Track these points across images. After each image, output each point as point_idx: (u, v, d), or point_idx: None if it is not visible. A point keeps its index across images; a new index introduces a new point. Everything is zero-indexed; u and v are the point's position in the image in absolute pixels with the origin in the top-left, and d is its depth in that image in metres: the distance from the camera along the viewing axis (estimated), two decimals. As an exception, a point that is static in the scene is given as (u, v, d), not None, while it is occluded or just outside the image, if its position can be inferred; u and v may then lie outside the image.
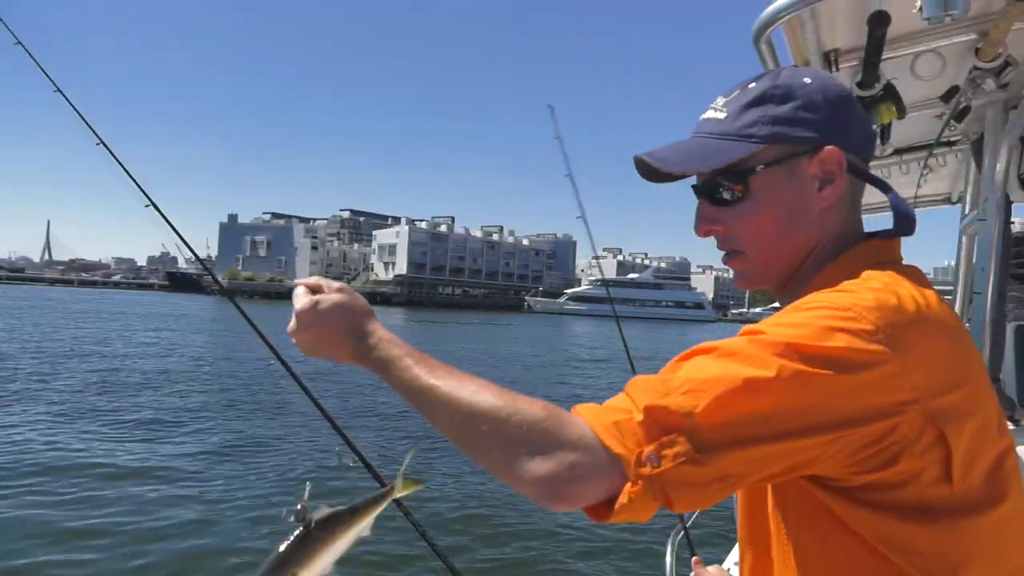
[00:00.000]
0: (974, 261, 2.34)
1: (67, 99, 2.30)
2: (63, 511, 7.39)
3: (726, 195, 1.00)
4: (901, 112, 2.09)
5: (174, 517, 7.37)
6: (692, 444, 0.76)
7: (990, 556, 0.84)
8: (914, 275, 0.93)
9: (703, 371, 0.80)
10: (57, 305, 53.58)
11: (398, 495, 1.08)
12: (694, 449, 0.76)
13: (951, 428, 0.81)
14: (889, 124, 2.19)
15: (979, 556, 0.83)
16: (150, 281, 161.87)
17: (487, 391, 0.86)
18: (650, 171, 1.05)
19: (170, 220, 2.25)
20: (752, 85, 1.00)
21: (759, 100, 0.99)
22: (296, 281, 1.07)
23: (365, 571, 6.06)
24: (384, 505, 1.05)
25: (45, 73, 2.36)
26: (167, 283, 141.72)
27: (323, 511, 0.95)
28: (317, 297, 1.03)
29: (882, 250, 0.99)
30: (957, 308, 3.05)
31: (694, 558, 1.44)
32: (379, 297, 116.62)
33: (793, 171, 0.98)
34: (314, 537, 0.93)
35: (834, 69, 2.09)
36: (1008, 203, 2.40)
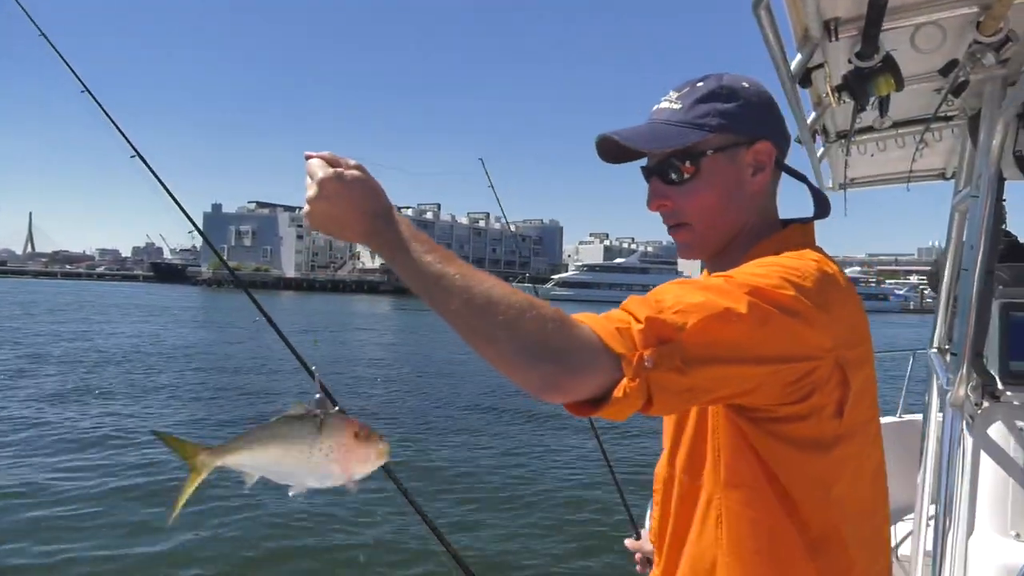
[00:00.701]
0: (964, 238, 2.34)
1: (49, 41, 2.27)
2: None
3: (675, 175, 1.19)
4: (899, 84, 2.07)
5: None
6: (679, 355, 0.88)
7: (850, 477, 1.08)
8: (824, 254, 1.15)
9: (690, 296, 0.93)
10: (40, 298, 53.03)
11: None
12: (680, 360, 0.88)
13: (852, 374, 1.04)
14: (887, 96, 2.17)
15: (844, 477, 1.07)
16: (135, 272, 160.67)
17: (505, 286, 0.91)
18: (609, 152, 1.24)
19: (157, 173, 2.21)
20: (700, 84, 1.19)
21: (709, 96, 1.17)
22: (308, 152, 1.01)
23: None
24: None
25: (29, 17, 2.31)
26: (152, 274, 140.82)
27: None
28: (340, 169, 0.99)
29: (806, 232, 1.23)
30: (946, 284, 3.07)
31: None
32: (366, 286, 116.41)
33: (734, 158, 1.18)
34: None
35: (833, 39, 2.04)
36: (1001, 180, 2.39)
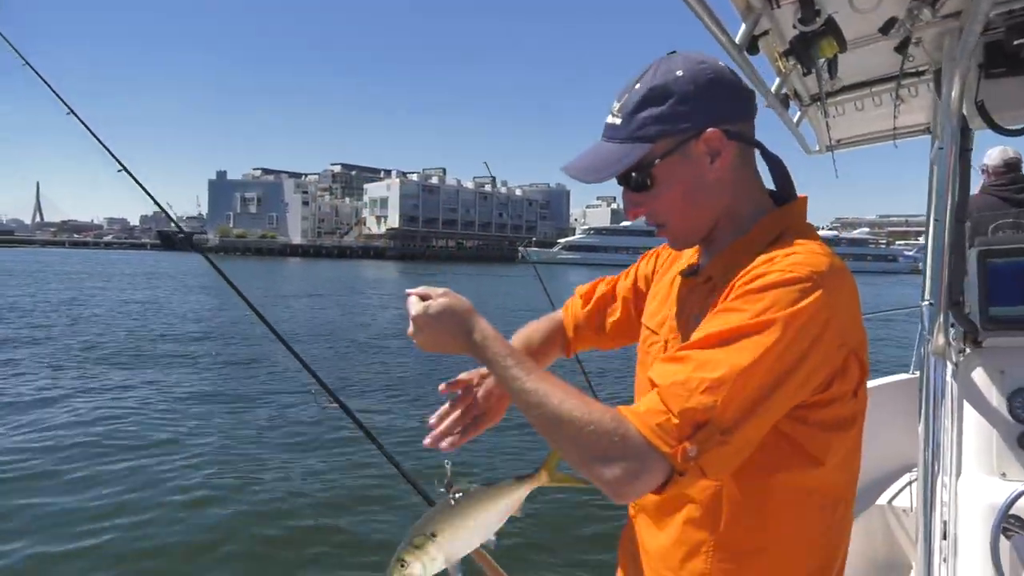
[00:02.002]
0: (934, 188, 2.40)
1: (35, 71, 2.30)
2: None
3: (639, 184, 1.21)
4: (842, 46, 2.08)
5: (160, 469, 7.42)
6: (718, 430, 0.98)
7: (857, 448, 1.18)
8: (815, 235, 1.18)
9: (712, 368, 0.99)
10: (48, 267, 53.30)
11: (542, 484, 1.28)
12: (720, 433, 0.98)
13: (863, 355, 1.12)
14: (835, 58, 2.18)
15: (857, 446, 1.18)
16: (142, 241, 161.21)
17: (570, 400, 1.04)
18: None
19: (143, 184, 2.25)
20: (636, 86, 1.18)
21: (643, 103, 1.17)
22: (408, 291, 1.26)
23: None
24: (525, 488, 1.27)
25: (12, 47, 2.34)
26: (159, 242, 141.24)
27: (470, 488, 1.22)
28: (427, 302, 1.23)
29: (789, 214, 1.23)
30: (929, 236, 3.11)
31: None
32: (372, 251, 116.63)
33: (685, 154, 1.18)
34: (455, 504, 1.19)
35: (775, 6, 2.08)
36: (966, 131, 2.41)
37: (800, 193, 1.27)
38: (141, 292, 33.98)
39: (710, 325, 1.06)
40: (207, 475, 7.63)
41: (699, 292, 1.26)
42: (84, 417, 9.84)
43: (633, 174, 1.20)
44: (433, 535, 1.17)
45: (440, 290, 1.25)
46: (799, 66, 2.22)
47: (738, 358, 0.99)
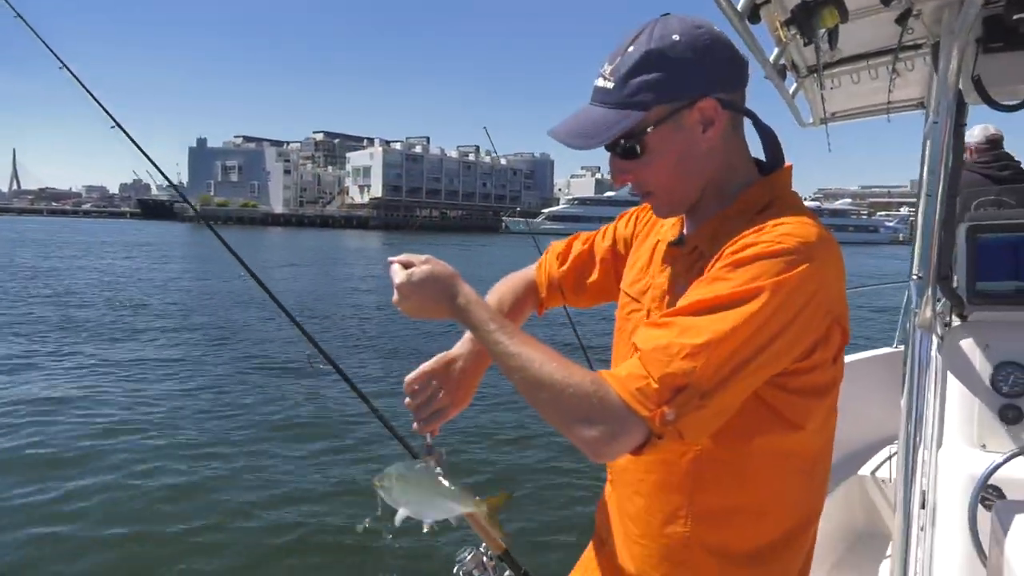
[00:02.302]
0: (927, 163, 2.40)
1: (25, 21, 2.24)
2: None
3: (629, 152, 1.18)
4: (843, 16, 2.06)
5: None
6: (696, 394, 0.99)
7: (834, 412, 1.19)
8: (802, 205, 1.17)
9: (695, 334, 1.00)
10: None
11: (473, 513, 1.36)
12: (699, 397, 0.99)
13: (845, 323, 1.13)
14: (836, 29, 2.17)
15: (832, 413, 1.19)
16: (122, 209, 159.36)
17: (551, 363, 1.06)
18: None
19: (136, 141, 2.22)
20: (631, 49, 1.14)
21: (638, 68, 1.13)
22: (390, 259, 1.28)
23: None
24: (462, 507, 1.33)
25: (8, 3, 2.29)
26: (139, 211, 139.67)
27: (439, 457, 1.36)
28: (410, 270, 1.25)
29: (776, 183, 1.22)
30: (920, 211, 3.12)
31: None
32: (355, 221, 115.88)
33: (678, 123, 1.15)
34: (413, 471, 1.34)
35: None
36: (962, 106, 2.42)
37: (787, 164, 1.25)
38: (122, 262, 33.65)
39: (696, 292, 1.06)
40: (186, 452, 7.64)
41: (684, 262, 1.24)
42: (61, 390, 9.79)
43: (623, 141, 1.17)
44: (389, 479, 1.34)
45: (422, 257, 1.27)
46: (799, 36, 2.20)
47: (721, 325, 1.00)
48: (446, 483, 1.32)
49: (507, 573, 1.62)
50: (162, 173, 2.43)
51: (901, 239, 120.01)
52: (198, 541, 5.58)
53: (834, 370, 1.14)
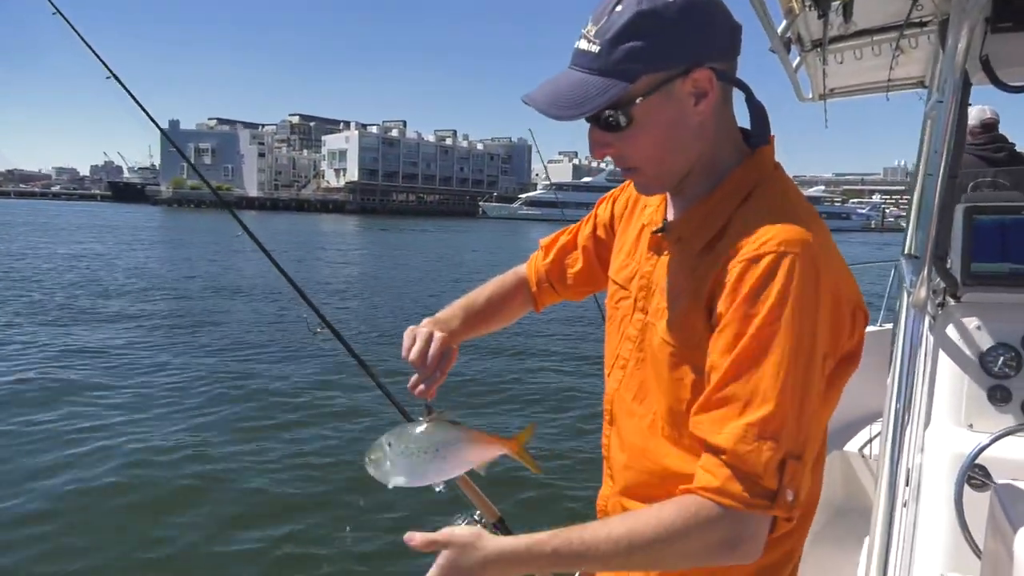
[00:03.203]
0: (931, 143, 2.39)
1: None
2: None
3: (613, 124, 1.07)
4: None
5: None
6: (793, 459, 0.96)
7: (838, 395, 1.13)
8: (784, 184, 1.13)
9: (757, 404, 0.96)
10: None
11: (509, 452, 1.33)
12: (796, 460, 0.96)
13: (863, 306, 1.09)
14: (851, 2, 2.16)
15: (838, 395, 1.12)
16: (92, 192, 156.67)
17: (632, 534, 0.99)
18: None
19: (132, 92, 2.18)
20: (618, 8, 1.02)
21: (626, 32, 1.01)
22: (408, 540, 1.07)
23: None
24: (495, 449, 1.31)
25: None
26: (110, 193, 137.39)
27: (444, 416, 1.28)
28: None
29: (759, 164, 1.14)
30: (916, 191, 3.12)
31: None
32: (331, 205, 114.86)
33: (669, 93, 1.05)
34: (419, 426, 1.25)
35: None
36: (967, 85, 2.39)
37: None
38: (97, 245, 33.08)
39: (723, 346, 1.00)
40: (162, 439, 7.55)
41: (671, 253, 1.18)
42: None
43: (607, 112, 1.06)
44: (389, 444, 1.23)
45: (442, 538, 1.06)
46: (812, 8, 2.16)
47: (770, 379, 0.96)
48: (463, 430, 1.27)
49: None
50: (177, 148, 2.35)
51: (873, 226, 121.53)
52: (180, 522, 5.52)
53: (850, 361, 1.10)
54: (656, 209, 1.28)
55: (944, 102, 2.32)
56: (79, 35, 2.18)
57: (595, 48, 1.04)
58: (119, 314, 14.55)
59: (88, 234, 41.08)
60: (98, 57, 2.19)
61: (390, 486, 1.24)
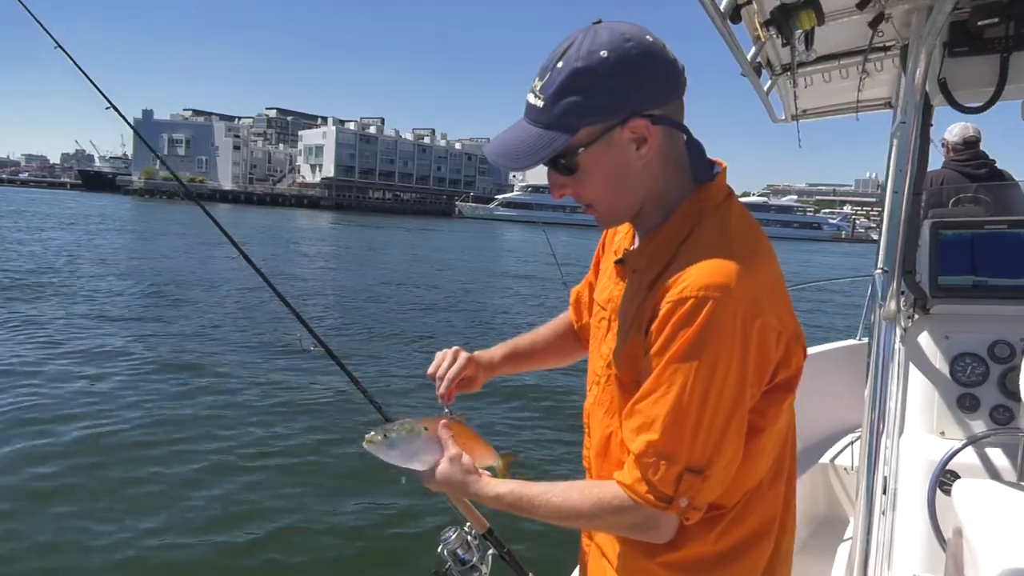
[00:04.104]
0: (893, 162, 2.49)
1: None
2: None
3: (563, 169, 1.19)
4: (820, 19, 2.13)
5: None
6: (693, 473, 1.09)
7: (791, 410, 1.24)
8: (724, 227, 1.17)
9: (659, 425, 1.09)
10: None
11: (495, 469, 1.52)
12: (696, 475, 1.09)
13: (802, 341, 1.17)
14: (812, 31, 2.23)
15: (791, 410, 1.23)
16: (62, 180, 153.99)
17: (570, 501, 1.20)
18: None
19: (80, 66, 2.19)
20: (559, 64, 1.12)
21: (564, 89, 1.11)
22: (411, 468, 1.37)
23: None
24: (489, 459, 1.50)
25: None
26: (79, 182, 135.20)
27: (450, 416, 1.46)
28: (436, 468, 1.34)
29: (704, 198, 1.21)
30: (886, 208, 3.20)
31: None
32: (306, 200, 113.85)
33: (610, 142, 1.14)
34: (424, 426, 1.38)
35: None
36: (928, 107, 2.49)
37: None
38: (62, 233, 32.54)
39: (648, 371, 1.12)
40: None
41: (628, 283, 1.28)
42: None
43: (556, 158, 1.17)
44: (385, 435, 1.35)
45: (450, 453, 1.35)
46: (777, 36, 2.26)
47: (675, 405, 1.08)
48: (464, 437, 1.42)
49: (490, 551, 1.67)
50: (120, 113, 2.31)
51: (843, 236, 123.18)
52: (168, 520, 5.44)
53: (794, 378, 1.18)
54: (624, 236, 1.40)
55: (907, 123, 2.41)
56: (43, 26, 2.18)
57: (540, 103, 1.14)
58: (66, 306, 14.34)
59: (39, 221, 40.32)
60: (68, 55, 2.20)
61: (368, 450, 1.36)
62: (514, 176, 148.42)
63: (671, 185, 1.21)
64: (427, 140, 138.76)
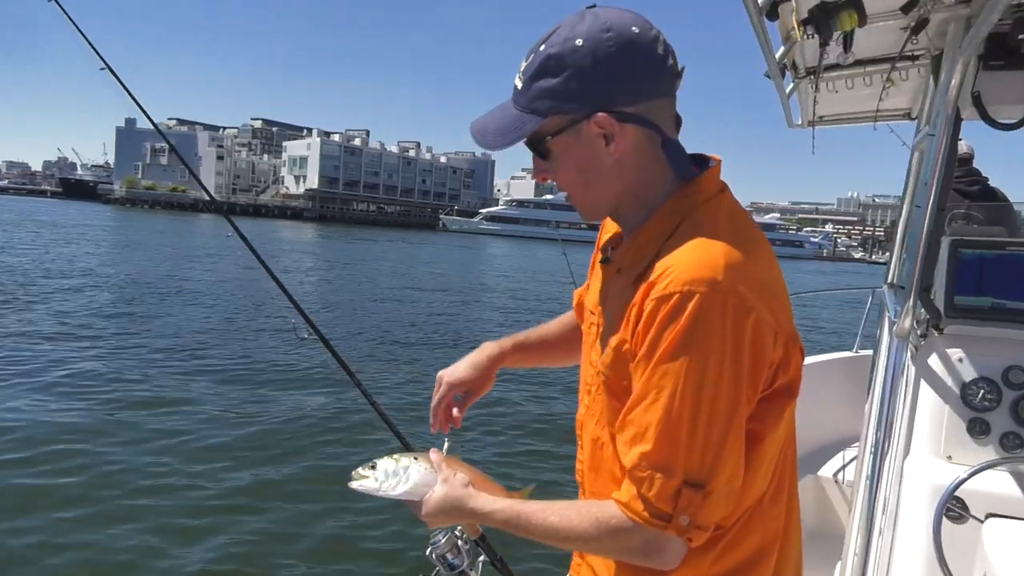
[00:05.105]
0: (919, 175, 2.43)
1: None
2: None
3: (540, 154, 1.17)
4: (862, 20, 2.06)
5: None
6: (692, 488, 1.01)
7: (792, 419, 1.17)
8: (712, 224, 1.09)
9: (650, 436, 1.02)
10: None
11: None
12: (696, 490, 1.01)
13: (799, 341, 1.10)
14: (851, 32, 2.16)
15: (791, 418, 1.16)
16: (43, 187, 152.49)
17: (568, 521, 1.12)
18: None
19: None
20: (542, 48, 1.10)
21: (540, 72, 1.10)
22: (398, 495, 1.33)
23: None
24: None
25: None
26: (60, 190, 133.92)
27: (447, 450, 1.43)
28: (426, 499, 1.29)
29: (690, 194, 1.14)
30: (902, 221, 3.14)
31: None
32: (289, 212, 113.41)
33: (578, 134, 1.11)
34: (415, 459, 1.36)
35: None
36: (958, 120, 2.42)
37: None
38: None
39: (636, 377, 1.06)
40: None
41: (614, 284, 1.22)
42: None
43: (533, 142, 1.15)
44: (372, 467, 1.34)
45: (443, 474, 1.32)
46: (812, 36, 2.19)
47: (668, 415, 1.01)
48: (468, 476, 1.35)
49: (481, 558, 1.61)
50: (152, 123, 2.31)
51: (824, 255, 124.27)
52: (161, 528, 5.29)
53: (794, 386, 1.11)
54: (611, 237, 1.33)
55: (935, 135, 2.34)
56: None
57: (520, 84, 1.13)
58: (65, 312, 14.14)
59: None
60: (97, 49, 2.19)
61: (356, 488, 1.35)
62: (498, 190, 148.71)
63: (653, 182, 1.16)
64: (412, 153, 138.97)
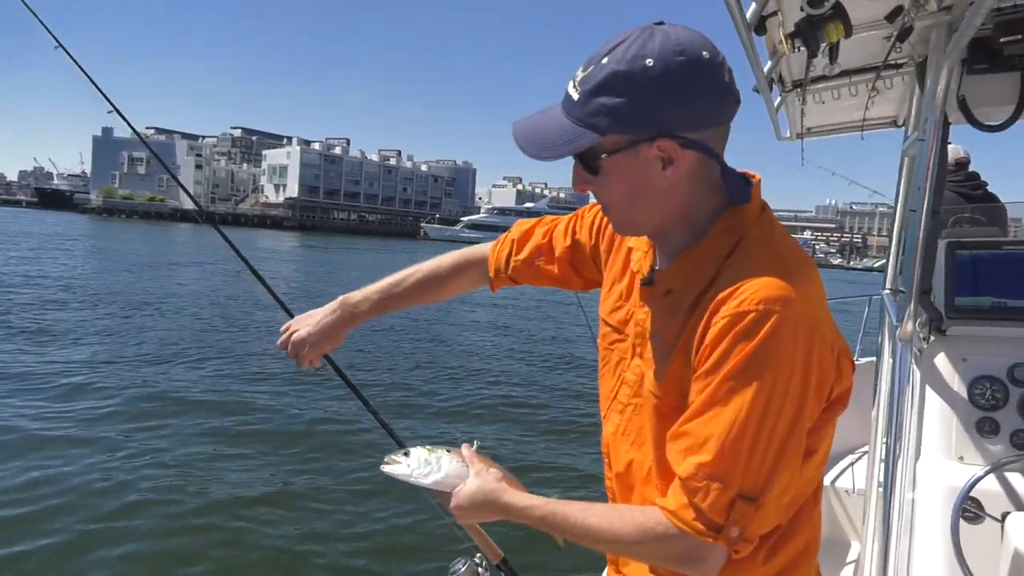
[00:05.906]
0: (911, 180, 2.45)
1: None
2: None
3: (588, 168, 1.13)
4: (848, 31, 2.08)
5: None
6: (746, 501, 1.01)
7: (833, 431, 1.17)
8: (770, 239, 1.12)
9: (712, 446, 1.01)
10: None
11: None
12: (749, 503, 1.02)
13: (849, 353, 1.10)
14: (837, 43, 2.18)
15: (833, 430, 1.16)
16: (17, 197, 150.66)
17: (607, 529, 1.12)
18: None
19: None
20: (604, 60, 1.05)
21: (603, 87, 1.05)
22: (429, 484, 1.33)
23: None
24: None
25: None
26: (35, 200, 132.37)
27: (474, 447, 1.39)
28: (459, 491, 1.29)
29: (745, 213, 1.14)
30: (897, 226, 3.17)
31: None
32: (269, 221, 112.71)
33: (636, 155, 1.08)
34: (448, 453, 1.36)
35: None
36: (946, 124, 2.46)
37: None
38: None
39: (699, 389, 1.05)
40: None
41: (660, 305, 1.19)
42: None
43: (583, 155, 1.11)
44: (406, 453, 1.36)
45: (475, 467, 1.32)
46: (800, 49, 2.21)
47: (732, 426, 1.00)
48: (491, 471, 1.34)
49: None
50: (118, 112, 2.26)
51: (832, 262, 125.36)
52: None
53: (841, 402, 1.13)
54: (644, 255, 1.28)
55: (925, 140, 2.37)
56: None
57: (576, 95, 1.08)
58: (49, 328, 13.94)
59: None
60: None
61: (387, 471, 1.35)
62: (480, 199, 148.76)
63: (701, 205, 1.14)
64: (393, 161, 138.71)
